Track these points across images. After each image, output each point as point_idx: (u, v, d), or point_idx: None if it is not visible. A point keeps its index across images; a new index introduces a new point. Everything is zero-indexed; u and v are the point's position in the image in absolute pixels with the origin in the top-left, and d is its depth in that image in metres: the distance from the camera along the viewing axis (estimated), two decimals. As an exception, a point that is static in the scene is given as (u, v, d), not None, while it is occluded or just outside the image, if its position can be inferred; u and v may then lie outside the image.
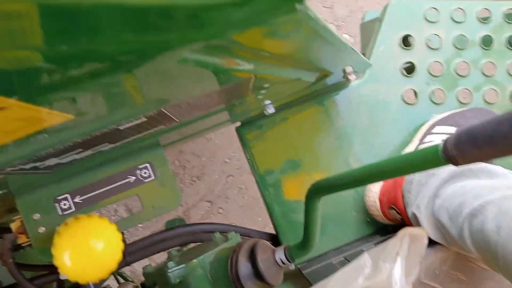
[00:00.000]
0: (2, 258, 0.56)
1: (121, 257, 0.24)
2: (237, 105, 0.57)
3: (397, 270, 0.29)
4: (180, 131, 0.66)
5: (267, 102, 0.72)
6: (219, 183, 1.84)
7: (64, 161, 0.46)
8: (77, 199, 0.58)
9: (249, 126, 0.89)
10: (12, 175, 0.44)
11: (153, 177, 0.62)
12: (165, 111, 0.41)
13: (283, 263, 0.57)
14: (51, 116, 0.27)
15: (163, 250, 0.76)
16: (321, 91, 0.89)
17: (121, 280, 0.94)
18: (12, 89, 0.20)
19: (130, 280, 0.92)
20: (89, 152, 0.48)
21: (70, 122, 0.30)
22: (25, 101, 0.22)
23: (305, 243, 0.55)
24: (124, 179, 0.61)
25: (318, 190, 0.50)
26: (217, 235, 0.72)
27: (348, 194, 0.87)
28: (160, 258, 1.24)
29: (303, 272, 0.81)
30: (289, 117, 0.90)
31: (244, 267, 0.57)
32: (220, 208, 1.84)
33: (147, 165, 0.62)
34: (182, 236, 0.77)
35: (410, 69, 0.90)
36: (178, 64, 0.27)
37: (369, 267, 0.32)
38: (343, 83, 0.89)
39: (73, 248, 0.24)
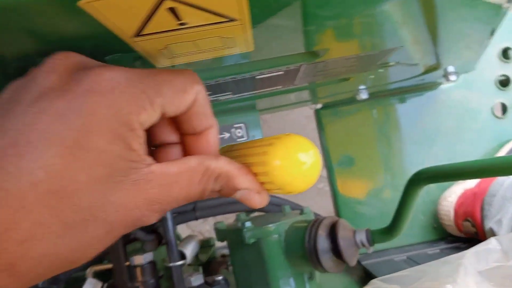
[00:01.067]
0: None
1: (317, 177, 0.25)
2: (346, 80, 0.57)
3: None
4: (275, 99, 0.67)
5: (362, 87, 0.71)
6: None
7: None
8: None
9: (328, 110, 0.89)
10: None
11: (245, 138, 0.64)
12: (300, 68, 0.41)
13: (363, 245, 0.57)
14: (242, 43, 0.28)
15: (231, 212, 0.78)
16: (409, 88, 0.88)
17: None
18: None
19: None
20: (210, 98, 0.49)
21: (242, 55, 0.31)
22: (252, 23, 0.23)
23: (391, 229, 0.55)
24: (219, 135, 0.63)
25: (421, 178, 0.49)
26: (287, 208, 0.73)
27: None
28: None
29: (362, 263, 0.81)
30: (366, 109, 0.90)
31: (322, 241, 0.58)
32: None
33: (242, 125, 0.64)
34: (251, 203, 0.79)
35: (504, 82, 0.87)
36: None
37: (498, 250, 0.32)
38: (432, 85, 0.88)
39: (285, 157, 0.25)
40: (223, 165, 0.26)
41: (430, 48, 0.48)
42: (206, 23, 0.23)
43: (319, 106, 0.90)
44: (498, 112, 0.86)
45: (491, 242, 0.32)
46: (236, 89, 0.47)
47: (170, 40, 0.25)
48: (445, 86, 0.88)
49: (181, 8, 0.20)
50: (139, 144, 0.23)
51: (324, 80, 0.52)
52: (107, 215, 0.22)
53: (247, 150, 0.28)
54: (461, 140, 0.86)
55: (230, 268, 0.82)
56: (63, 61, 0.22)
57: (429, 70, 0.65)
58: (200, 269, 0.78)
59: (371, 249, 0.58)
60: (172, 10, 0.21)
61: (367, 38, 0.36)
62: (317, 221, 0.61)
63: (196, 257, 0.79)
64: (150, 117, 0.23)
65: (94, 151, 0.21)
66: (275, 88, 0.50)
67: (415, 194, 0.51)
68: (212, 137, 0.28)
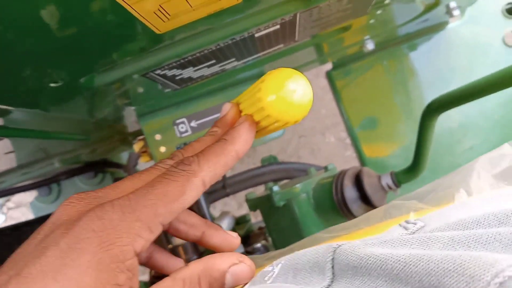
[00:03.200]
0: (129, 174, 0.62)
1: (311, 105, 0.27)
2: (347, 29, 0.58)
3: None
4: (280, 63, 0.68)
5: (367, 37, 0.72)
6: (291, 143, 1.87)
7: (195, 75, 0.50)
8: (192, 123, 0.63)
9: (338, 71, 0.89)
10: (149, 83, 0.48)
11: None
12: (297, 19, 0.42)
13: (390, 187, 0.58)
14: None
15: (260, 184, 0.80)
16: (415, 34, 0.87)
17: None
18: None
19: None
20: (216, 69, 0.51)
21: (233, 9, 0.33)
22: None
23: (414, 166, 0.55)
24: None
25: (434, 107, 0.50)
26: (313, 170, 0.74)
27: (443, 138, 0.86)
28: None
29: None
30: (378, 63, 0.90)
31: (349, 190, 0.59)
32: (293, 167, 1.87)
33: (254, 94, 0.65)
34: (277, 172, 0.81)
35: (512, 11, 0.85)
36: None
37: (511, 154, 0.32)
38: (439, 25, 0.87)
39: (277, 89, 0.26)
40: (218, 263, 0.26)
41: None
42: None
43: (329, 67, 0.90)
44: (510, 41, 0.84)
45: (504, 147, 0.32)
46: (239, 54, 0.48)
47: (161, -1, 0.27)
48: (452, 25, 0.87)
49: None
50: (127, 277, 0.24)
51: (325, 31, 0.53)
52: None
53: (246, 94, 0.30)
54: (475, 76, 0.85)
55: (269, 238, 0.85)
56: (72, 205, 0.25)
57: (430, 7, 0.65)
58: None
59: (398, 191, 0.59)
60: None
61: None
62: (341, 173, 0.62)
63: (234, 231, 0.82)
64: (147, 240, 0.24)
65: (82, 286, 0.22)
66: (277, 47, 0.52)
67: (431, 126, 0.51)
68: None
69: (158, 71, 0.43)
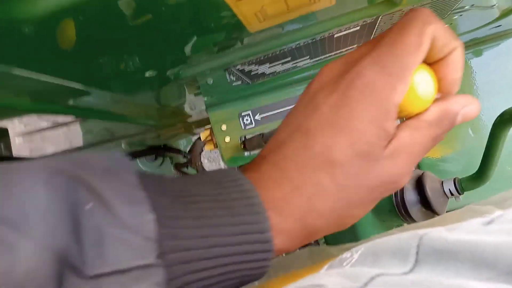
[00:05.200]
0: (194, 160, 0.65)
1: (433, 97, 0.29)
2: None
3: None
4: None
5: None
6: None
7: (268, 71, 0.52)
8: (257, 117, 0.65)
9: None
10: (221, 78, 0.50)
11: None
12: (376, 22, 0.43)
13: (452, 194, 0.58)
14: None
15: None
16: (483, 39, 0.85)
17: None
18: None
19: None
20: (288, 66, 0.52)
21: (326, 10, 0.34)
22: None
23: (480, 174, 0.55)
24: (297, 104, 0.66)
25: (508, 118, 0.49)
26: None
27: (505, 148, 0.83)
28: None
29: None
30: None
31: (410, 193, 0.59)
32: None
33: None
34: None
35: None
36: None
37: None
38: (509, 32, 0.84)
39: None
40: (453, 106, 0.30)
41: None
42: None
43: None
44: None
45: None
46: (314, 52, 0.50)
47: (265, 1, 0.28)
48: (524, 32, 0.84)
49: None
50: (391, 124, 0.28)
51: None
52: (369, 183, 0.28)
53: None
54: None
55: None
56: (328, 69, 0.30)
57: (506, 13, 0.63)
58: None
59: (460, 198, 0.58)
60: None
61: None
62: (402, 176, 0.61)
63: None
64: (402, 91, 0.27)
65: (356, 132, 0.27)
66: (351, 47, 0.52)
67: (502, 136, 0.51)
68: (454, 60, 0.29)
69: (239, 66, 0.45)
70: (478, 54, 0.88)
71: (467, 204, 0.54)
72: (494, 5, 0.55)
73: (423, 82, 0.28)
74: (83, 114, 0.56)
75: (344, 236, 0.68)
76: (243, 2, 0.28)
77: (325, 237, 0.70)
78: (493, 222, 0.24)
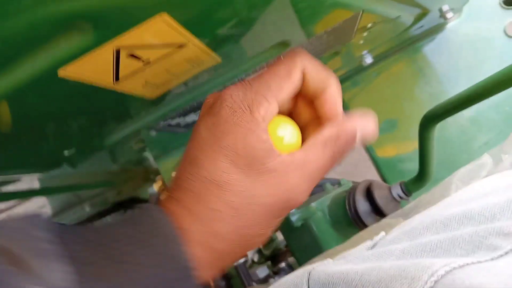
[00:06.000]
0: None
1: (299, 143, 0.31)
2: (338, 53, 0.60)
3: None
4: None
5: (365, 52, 0.74)
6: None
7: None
8: (205, 158, 0.66)
9: (345, 83, 0.91)
10: (159, 132, 0.52)
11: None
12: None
13: (400, 197, 0.60)
14: (207, 59, 0.33)
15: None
16: (416, 38, 0.88)
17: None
18: (201, 30, 0.26)
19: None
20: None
21: (216, 67, 0.36)
22: (201, 41, 0.28)
23: (421, 175, 0.57)
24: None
25: (431, 118, 0.51)
26: (328, 185, 0.76)
27: (455, 137, 0.86)
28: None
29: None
30: (384, 70, 0.91)
31: (362, 205, 0.61)
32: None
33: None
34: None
35: (509, 1, 0.86)
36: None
37: (490, 163, 0.34)
38: (439, 26, 0.88)
39: (271, 135, 0.31)
40: (348, 126, 0.32)
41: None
42: (162, 55, 0.28)
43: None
44: (511, 32, 0.84)
45: (483, 158, 0.34)
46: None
47: (146, 76, 0.31)
48: (451, 24, 0.88)
49: (136, 52, 0.26)
50: (267, 136, 0.29)
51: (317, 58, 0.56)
52: (260, 200, 0.29)
53: None
54: (482, 71, 0.85)
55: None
56: (209, 97, 0.32)
57: (419, 17, 0.67)
58: (269, 262, 0.84)
59: (409, 199, 0.60)
60: (131, 55, 0.26)
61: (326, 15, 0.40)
62: (353, 188, 0.64)
63: (260, 253, 0.85)
64: (268, 108, 0.29)
65: (232, 147, 0.29)
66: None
67: (430, 135, 0.53)
68: (330, 96, 0.32)
69: (162, 123, 0.47)
70: (417, 51, 0.92)
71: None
72: (399, 16, 0.58)
73: (286, 133, 0.31)
74: (43, 193, 0.58)
75: (312, 255, 0.69)
76: (121, 83, 0.30)
77: (295, 258, 0.72)
78: (376, 246, 0.26)
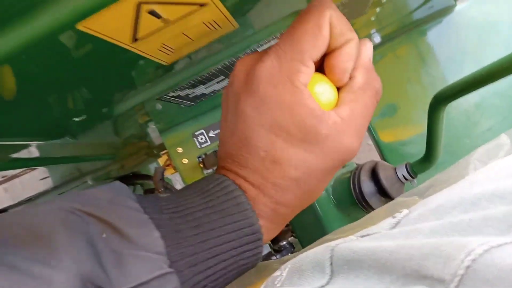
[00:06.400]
0: (155, 187, 0.66)
1: (335, 102, 0.31)
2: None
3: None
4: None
5: (373, 30, 0.73)
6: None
7: (207, 91, 0.53)
8: (211, 134, 0.66)
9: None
10: (167, 103, 0.51)
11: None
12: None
13: (406, 179, 0.59)
14: (225, 24, 0.32)
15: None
16: (424, 20, 0.87)
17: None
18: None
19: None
20: (226, 83, 0.54)
21: (233, 34, 0.35)
22: (223, 4, 0.27)
23: (428, 156, 0.56)
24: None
25: (441, 99, 0.51)
26: (332, 166, 0.76)
27: (459, 121, 0.86)
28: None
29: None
30: (389, 52, 0.90)
31: (367, 185, 0.61)
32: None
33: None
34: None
35: (521, -14, 0.85)
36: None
37: (508, 144, 0.33)
38: (447, 9, 0.87)
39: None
40: (365, 58, 0.33)
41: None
42: (183, 15, 0.27)
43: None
44: (521, 17, 0.83)
45: (501, 137, 0.33)
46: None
47: (163, 38, 0.30)
48: (459, 7, 0.87)
49: (157, 8, 0.25)
50: (310, 102, 0.29)
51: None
52: (321, 165, 0.30)
53: None
54: (488, 55, 0.84)
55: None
56: (239, 67, 0.31)
57: (430, -4, 0.66)
58: (269, 241, 0.84)
59: (415, 181, 0.60)
60: (151, 12, 0.25)
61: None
62: (358, 168, 0.64)
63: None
64: (307, 73, 0.29)
65: (283, 123, 0.29)
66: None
67: (440, 116, 0.52)
68: (348, 51, 0.31)
69: (172, 94, 0.46)
70: (423, 34, 0.91)
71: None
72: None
73: (324, 92, 0.30)
74: (43, 163, 0.57)
75: (314, 235, 0.69)
76: (139, 43, 0.29)
77: (297, 237, 0.72)
78: (398, 224, 0.25)
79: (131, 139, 0.68)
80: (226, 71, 0.47)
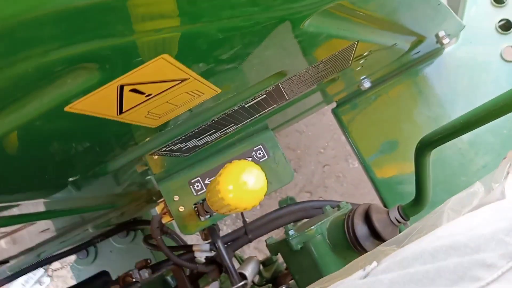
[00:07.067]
0: (152, 235, 0.67)
1: (265, 190, 0.32)
2: (336, 80, 0.62)
3: (510, 182, 0.32)
4: (284, 113, 0.72)
5: (363, 77, 0.75)
6: (316, 173, 1.89)
7: (199, 143, 0.55)
8: (207, 181, 0.67)
9: (344, 106, 0.93)
10: (162, 156, 0.53)
11: (267, 157, 0.69)
12: (280, 87, 0.47)
13: (398, 221, 0.60)
14: (207, 90, 0.34)
15: (280, 226, 0.83)
16: (414, 61, 0.90)
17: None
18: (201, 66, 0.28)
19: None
20: (218, 134, 0.56)
21: (216, 97, 0.38)
22: (202, 76, 0.30)
23: (418, 199, 0.57)
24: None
25: (427, 144, 0.52)
26: (328, 208, 0.77)
27: (454, 159, 0.87)
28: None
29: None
30: (382, 93, 0.92)
31: (360, 228, 0.61)
32: (320, 197, 1.87)
33: (261, 146, 0.69)
34: (295, 213, 0.84)
35: (506, 26, 0.87)
36: (299, 33, 0.33)
37: (481, 192, 0.35)
38: (437, 51, 0.89)
39: (233, 182, 0.31)
40: None
41: (395, 28, 0.52)
42: (165, 89, 0.30)
43: (334, 105, 0.94)
44: (508, 56, 0.86)
45: (475, 186, 0.35)
46: (237, 120, 0.53)
47: (148, 108, 0.32)
48: (449, 48, 0.89)
49: (139, 87, 0.27)
50: None
51: (311, 89, 0.57)
52: None
53: (210, 185, 0.36)
54: (479, 95, 0.87)
55: (297, 278, 0.87)
56: None
57: (415, 44, 0.68)
58: (270, 285, 0.84)
59: (408, 224, 0.61)
60: (134, 90, 0.28)
61: (327, 46, 0.42)
62: (352, 211, 0.64)
63: (261, 276, 0.85)
64: None
65: None
66: (271, 107, 0.56)
67: (426, 161, 0.54)
68: None
69: (164, 149, 0.49)
70: (414, 75, 0.93)
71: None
72: (395, 43, 0.60)
73: (250, 180, 0.33)
74: (48, 216, 0.59)
75: (312, 278, 0.69)
76: (126, 114, 0.31)
77: (295, 280, 0.72)
78: (368, 275, 0.27)
79: (132, 188, 0.70)
80: (217, 125, 0.50)
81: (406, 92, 0.93)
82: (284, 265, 0.94)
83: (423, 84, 0.92)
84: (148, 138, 0.41)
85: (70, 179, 0.42)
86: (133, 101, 0.29)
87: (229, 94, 0.40)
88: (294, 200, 0.87)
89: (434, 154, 0.58)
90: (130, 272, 0.71)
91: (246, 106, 0.48)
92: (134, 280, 0.71)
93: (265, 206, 1.73)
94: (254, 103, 0.49)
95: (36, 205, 0.55)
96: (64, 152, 0.35)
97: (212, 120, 0.46)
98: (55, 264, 1.81)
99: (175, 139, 0.46)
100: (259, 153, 0.70)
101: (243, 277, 0.71)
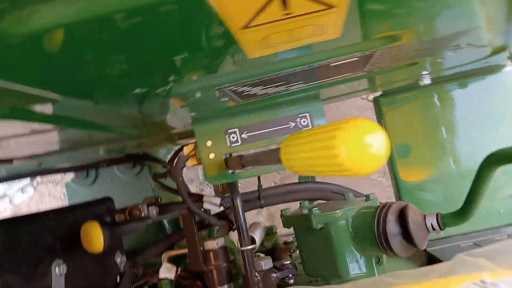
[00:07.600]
0: (174, 175, 0.63)
1: (385, 160, 0.26)
2: (407, 67, 0.57)
3: None
4: (337, 88, 0.68)
5: (425, 72, 0.71)
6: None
7: (261, 92, 0.51)
8: (244, 135, 0.63)
9: (387, 98, 0.89)
10: (221, 91, 0.48)
11: (310, 126, 0.65)
12: (374, 55, 0.42)
13: (433, 228, 0.57)
14: (332, 30, 0.30)
15: (294, 200, 0.80)
16: (470, 72, 0.86)
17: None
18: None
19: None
20: (282, 88, 0.51)
21: (329, 42, 0.33)
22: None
23: (464, 212, 0.55)
24: (285, 124, 0.65)
25: (495, 159, 0.49)
26: (351, 195, 0.74)
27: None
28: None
29: (427, 249, 0.80)
30: (424, 95, 0.89)
31: (392, 225, 0.59)
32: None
33: (307, 114, 0.65)
34: (313, 191, 0.81)
35: None
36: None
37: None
38: (496, 67, 0.86)
39: (356, 141, 0.26)
40: None
41: (503, 26, 0.48)
42: (307, 12, 0.25)
43: (378, 93, 0.90)
44: None
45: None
46: (308, 78, 0.49)
47: (271, 30, 0.27)
48: (508, 68, 0.86)
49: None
50: None
51: (394, 65, 0.53)
52: None
53: (313, 136, 0.30)
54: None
55: (294, 254, 0.85)
56: None
57: (496, 51, 0.64)
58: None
59: (441, 233, 0.58)
60: (284, 0, 0.23)
61: (444, 19, 0.37)
62: (386, 205, 0.61)
63: (262, 243, 0.82)
64: None
65: None
66: (346, 75, 0.52)
67: (489, 176, 0.51)
68: None
69: (232, 87, 0.44)
70: (463, 86, 0.90)
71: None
72: (486, 44, 0.55)
73: (376, 144, 0.28)
74: (61, 122, 0.54)
75: (321, 260, 0.67)
76: (249, 30, 0.26)
77: (301, 257, 0.69)
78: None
79: (152, 118, 0.65)
80: (292, 77, 0.45)
81: (451, 100, 0.89)
82: (282, 239, 0.92)
83: (470, 96, 0.88)
84: (234, 69, 0.37)
85: (137, 90, 0.37)
86: (270, 15, 0.24)
87: (338, 43, 0.35)
88: (314, 178, 0.83)
89: (471, 170, 0.54)
90: (139, 206, 0.68)
91: (331, 64, 0.44)
92: (142, 215, 0.67)
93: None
94: (339, 64, 0.44)
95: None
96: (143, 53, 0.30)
97: (295, 70, 0.42)
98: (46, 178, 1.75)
99: (250, 79, 0.42)
100: (304, 121, 0.66)
101: (252, 240, 0.68)
